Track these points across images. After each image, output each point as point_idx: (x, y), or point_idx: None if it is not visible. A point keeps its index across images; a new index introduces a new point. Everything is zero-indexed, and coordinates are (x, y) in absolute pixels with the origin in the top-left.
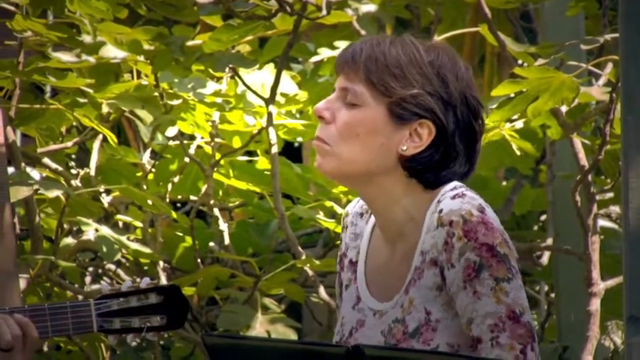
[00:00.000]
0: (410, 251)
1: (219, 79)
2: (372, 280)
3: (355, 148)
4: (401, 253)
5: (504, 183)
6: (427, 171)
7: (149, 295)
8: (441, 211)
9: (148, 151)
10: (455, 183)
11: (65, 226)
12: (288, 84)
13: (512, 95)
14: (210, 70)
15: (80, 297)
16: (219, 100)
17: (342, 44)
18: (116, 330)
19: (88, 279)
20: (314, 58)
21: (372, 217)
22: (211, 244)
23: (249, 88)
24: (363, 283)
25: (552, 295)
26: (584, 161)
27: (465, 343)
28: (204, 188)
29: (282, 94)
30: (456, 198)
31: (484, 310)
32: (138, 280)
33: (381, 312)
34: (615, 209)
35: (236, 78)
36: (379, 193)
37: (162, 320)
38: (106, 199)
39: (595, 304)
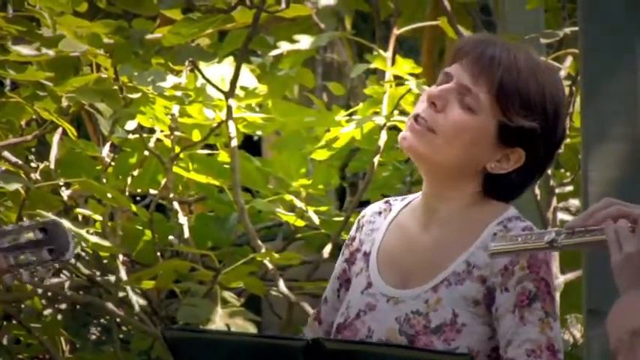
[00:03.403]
0: (447, 243)
1: (178, 73)
2: (385, 267)
3: (453, 149)
4: (434, 238)
5: None
6: (505, 191)
7: (34, 232)
8: None
9: (108, 144)
10: (516, 211)
11: (25, 219)
12: (248, 77)
13: None
14: (170, 64)
15: (40, 290)
16: (178, 93)
17: (301, 37)
18: (12, 266)
19: None
20: (273, 52)
21: (391, 213)
22: (171, 237)
23: (208, 81)
24: (375, 270)
25: None
26: None
27: (484, 351)
28: (163, 181)
29: (242, 88)
30: (525, 230)
31: (526, 336)
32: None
33: (396, 299)
34: (575, 202)
35: (196, 71)
36: (449, 189)
37: (51, 253)
38: (65, 193)
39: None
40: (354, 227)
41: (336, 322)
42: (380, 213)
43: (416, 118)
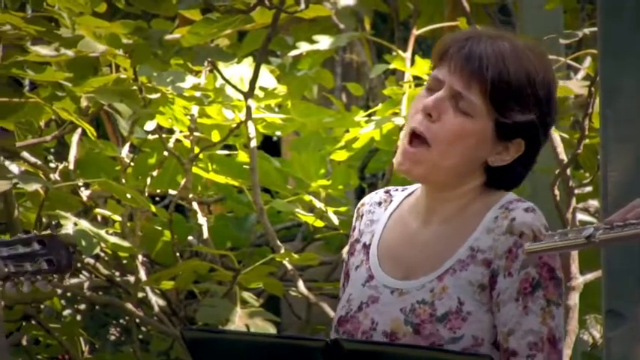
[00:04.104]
0: (450, 236)
1: (197, 73)
2: (386, 260)
3: (454, 157)
4: (436, 234)
5: None
6: (508, 181)
7: (32, 243)
8: (513, 219)
9: (127, 144)
10: (514, 195)
11: (44, 219)
12: (267, 78)
13: None
14: (189, 64)
15: (59, 290)
16: (197, 93)
17: (320, 38)
18: (12, 273)
19: None
20: (293, 52)
21: (392, 205)
22: (190, 237)
23: (227, 82)
24: (375, 263)
25: None
26: (562, 155)
27: (488, 339)
28: (183, 182)
29: (261, 88)
30: (528, 212)
31: (528, 327)
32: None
33: (400, 290)
34: (594, 203)
35: (215, 72)
36: (449, 191)
37: (50, 265)
38: (84, 193)
39: (574, 299)
40: (354, 216)
41: (337, 315)
42: (380, 204)
43: (413, 133)
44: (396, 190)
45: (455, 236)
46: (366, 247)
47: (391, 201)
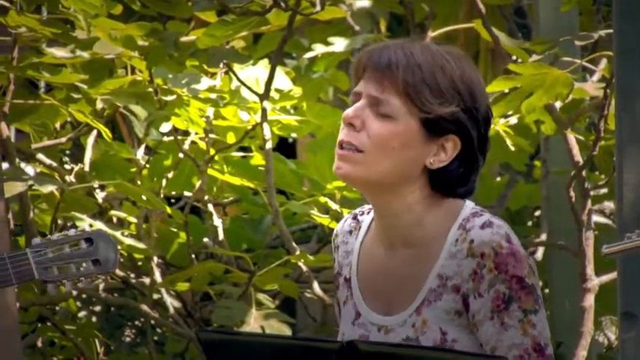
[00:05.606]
0: (417, 262)
1: (213, 75)
2: (368, 294)
3: (387, 161)
4: (403, 259)
5: (498, 179)
6: (453, 184)
7: (79, 242)
8: (472, 241)
9: (142, 146)
10: (471, 204)
11: (59, 221)
12: (283, 80)
13: (507, 91)
14: (205, 66)
15: (74, 292)
16: (213, 95)
17: (336, 40)
18: (56, 278)
19: None
20: (308, 54)
21: (361, 231)
22: (205, 239)
23: (243, 83)
24: (359, 298)
25: (546, 290)
26: (578, 157)
27: None
28: (198, 184)
29: (277, 90)
30: (484, 227)
31: (510, 341)
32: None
33: (386, 328)
34: (609, 205)
35: (230, 74)
36: (394, 200)
37: (95, 265)
38: (100, 195)
39: (589, 300)
40: (332, 248)
41: None
42: (351, 232)
43: (341, 145)
44: (362, 212)
45: (421, 262)
46: (347, 280)
47: (360, 227)
